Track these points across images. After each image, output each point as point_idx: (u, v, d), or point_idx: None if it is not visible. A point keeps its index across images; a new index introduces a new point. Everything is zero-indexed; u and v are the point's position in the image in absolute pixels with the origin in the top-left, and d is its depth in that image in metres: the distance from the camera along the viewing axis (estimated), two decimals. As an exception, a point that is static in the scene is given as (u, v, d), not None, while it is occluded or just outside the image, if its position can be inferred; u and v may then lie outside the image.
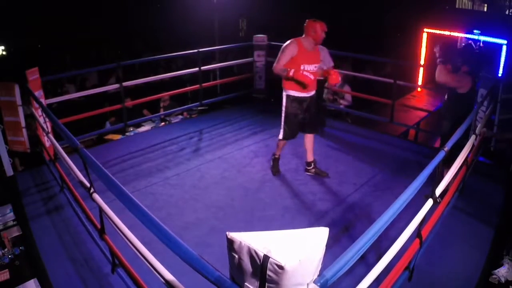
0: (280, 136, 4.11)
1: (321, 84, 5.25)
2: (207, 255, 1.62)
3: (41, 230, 3.29)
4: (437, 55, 3.61)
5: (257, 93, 6.64)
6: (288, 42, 3.85)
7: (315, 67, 3.90)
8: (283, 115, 4.02)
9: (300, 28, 5.21)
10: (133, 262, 2.30)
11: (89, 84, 8.25)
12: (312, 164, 4.27)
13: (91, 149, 4.77)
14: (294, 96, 3.93)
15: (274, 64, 3.86)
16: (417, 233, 2.41)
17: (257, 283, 1.28)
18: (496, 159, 4.64)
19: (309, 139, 4.20)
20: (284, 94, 3.98)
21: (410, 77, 7.56)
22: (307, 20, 3.84)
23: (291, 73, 3.73)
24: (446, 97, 3.84)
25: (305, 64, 3.82)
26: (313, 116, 4.09)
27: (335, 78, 3.87)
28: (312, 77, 3.82)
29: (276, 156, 4.31)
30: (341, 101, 6.64)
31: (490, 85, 4.23)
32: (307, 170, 4.31)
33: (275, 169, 4.30)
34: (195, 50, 5.86)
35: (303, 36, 3.87)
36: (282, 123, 4.05)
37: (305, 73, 3.77)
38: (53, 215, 3.54)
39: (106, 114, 6.11)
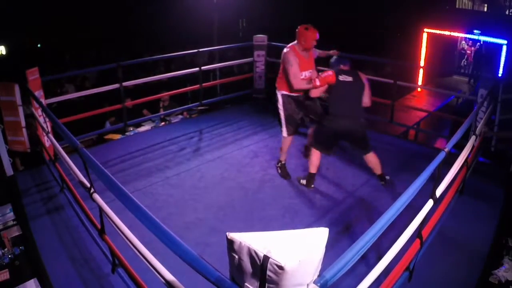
0: (284, 134, 4.10)
1: None
2: (207, 255, 1.62)
3: (41, 230, 3.29)
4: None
5: (257, 93, 6.64)
6: (286, 51, 3.81)
7: (310, 72, 3.90)
8: (282, 114, 4.02)
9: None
10: (133, 262, 2.30)
11: (89, 84, 8.25)
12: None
13: (91, 149, 4.77)
14: (288, 95, 3.96)
15: (292, 80, 3.75)
16: (418, 233, 2.41)
17: (257, 284, 1.28)
18: (496, 159, 4.64)
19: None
20: (279, 93, 3.99)
21: (410, 77, 7.57)
22: (299, 27, 3.80)
23: (317, 83, 3.65)
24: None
25: (303, 71, 3.82)
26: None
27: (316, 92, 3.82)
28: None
29: (283, 163, 4.27)
30: None
31: (490, 85, 4.23)
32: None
33: (285, 173, 4.23)
34: (195, 50, 5.86)
35: (296, 42, 3.84)
36: (284, 121, 4.04)
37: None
38: (53, 215, 3.54)
39: (106, 114, 6.11)
